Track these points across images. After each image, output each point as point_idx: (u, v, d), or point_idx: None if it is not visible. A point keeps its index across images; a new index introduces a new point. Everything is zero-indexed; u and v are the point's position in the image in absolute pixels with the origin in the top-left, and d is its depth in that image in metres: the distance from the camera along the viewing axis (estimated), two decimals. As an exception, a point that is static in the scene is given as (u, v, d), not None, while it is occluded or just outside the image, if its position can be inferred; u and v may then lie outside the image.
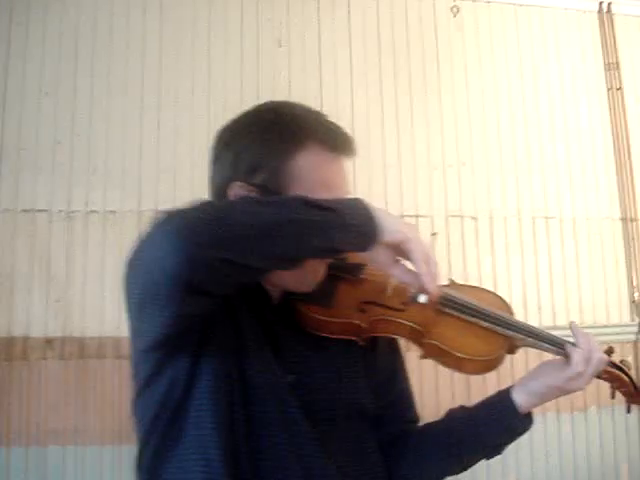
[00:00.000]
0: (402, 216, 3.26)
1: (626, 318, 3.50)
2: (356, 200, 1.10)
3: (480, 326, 1.30)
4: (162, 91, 3.20)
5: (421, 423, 1.48)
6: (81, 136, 3.09)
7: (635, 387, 1.39)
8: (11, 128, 3.04)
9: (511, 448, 3.11)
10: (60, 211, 3.02)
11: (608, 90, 3.71)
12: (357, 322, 1.25)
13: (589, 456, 3.35)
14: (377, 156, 3.34)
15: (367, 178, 3.29)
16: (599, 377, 1.37)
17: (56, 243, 2.99)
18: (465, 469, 1.39)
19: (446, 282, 1.42)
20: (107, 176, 3.08)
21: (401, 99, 3.44)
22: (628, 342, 3.47)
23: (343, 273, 1.30)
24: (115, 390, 2.90)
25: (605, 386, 3.27)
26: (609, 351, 1.39)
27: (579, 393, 3.21)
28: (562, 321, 3.37)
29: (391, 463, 1.35)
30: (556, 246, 3.48)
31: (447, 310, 1.31)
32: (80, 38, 3.17)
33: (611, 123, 3.68)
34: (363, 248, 1.08)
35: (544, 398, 1.32)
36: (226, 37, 3.32)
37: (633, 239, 3.56)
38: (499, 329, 1.31)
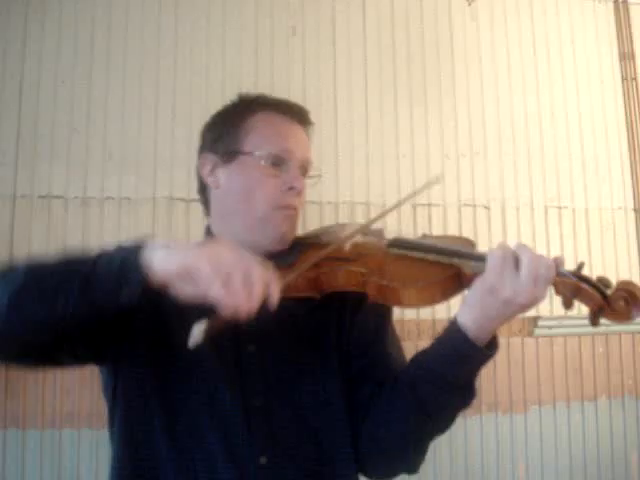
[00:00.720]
0: (414, 204, 3.29)
1: (638, 308, 3.50)
2: (122, 250, 1.10)
3: (426, 260, 1.28)
4: (177, 78, 3.22)
5: None
6: (97, 123, 3.12)
7: (604, 296, 1.23)
8: (28, 116, 3.07)
9: (521, 435, 3.18)
10: (76, 197, 3.05)
11: (623, 80, 3.70)
12: (312, 275, 1.28)
13: (599, 445, 3.36)
14: (390, 146, 3.35)
15: (380, 168, 3.31)
16: (557, 290, 1.26)
17: (72, 229, 3.02)
18: (438, 421, 1.30)
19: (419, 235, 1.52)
20: (122, 163, 3.11)
21: (415, 88, 3.45)
22: (638, 333, 3.47)
23: (310, 240, 1.40)
24: (129, 375, 2.93)
25: (616, 376, 3.33)
26: (579, 265, 1.29)
27: (588, 382, 3.29)
28: (573, 311, 3.37)
29: (358, 423, 1.34)
30: (568, 236, 3.48)
31: (393, 250, 1.33)
32: (96, 26, 3.19)
33: (625, 113, 3.67)
34: (132, 294, 1.05)
35: (488, 316, 1.19)
36: (241, 25, 3.33)
37: (646, 229, 3.57)
38: (442, 259, 1.27)
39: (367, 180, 3.28)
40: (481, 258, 1.22)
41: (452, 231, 3.31)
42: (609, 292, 1.25)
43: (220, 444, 1.23)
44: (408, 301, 1.25)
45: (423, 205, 3.30)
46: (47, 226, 3.01)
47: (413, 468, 1.37)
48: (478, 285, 1.18)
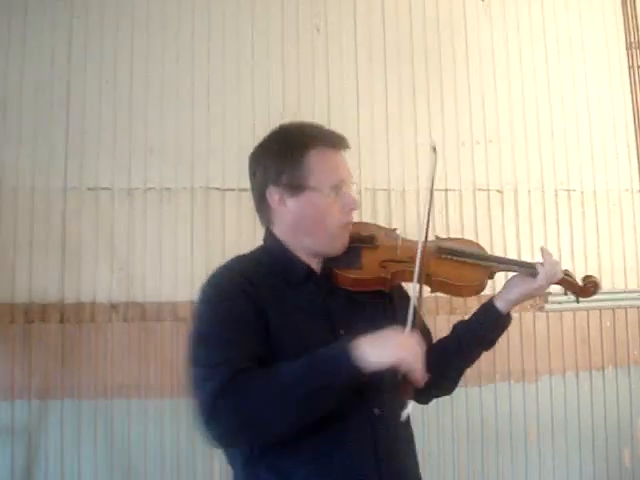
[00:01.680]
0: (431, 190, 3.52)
1: (643, 285, 3.74)
2: (339, 355, 1.43)
3: (467, 263, 1.78)
4: (210, 77, 3.48)
5: None
6: (138, 120, 3.39)
7: (580, 287, 1.86)
8: (75, 114, 3.35)
9: (532, 405, 3.42)
10: (121, 189, 3.33)
11: (629, 68, 3.90)
12: (383, 275, 1.70)
13: (606, 411, 3.61)
14: (410, 135, 3.59)
15: (400, 156, 3.55)
16: (557, 283, 1.81)
17: (118, 218, 3.31)
18: (473, 362, 1.85)
19: (433, 238, 1.86)
20: (162, 156, 3.38)
21: (432, 80, 3.68)
22: (644, 306, 3.71)
23: (362, 244, 1.74)
24: (173, 349, 3.23)
25: (622, 347, 3.56)
26: (566, 272, 1.84)
27: (596, 353, 3.51)
28: (582, 287, 3.62)
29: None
30: (577, 217, 3.72)
31: (443, 256, 1.77)
32: (135, 29, 3.45)
33: (632, 100, 3.87)
34: (353, 381, 1.44)
35: (517, 302, 1.79)
36: (268, 26, 3.57)
37: (652, 210, 3.79)
38: (481, 262, 1.79)
39: (387, 168, 3.53)
40: (525, 265, 1.81)
41: (467, 215, 3.56)
42: (582, 283, 1.87)
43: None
44: (466, 293, 1.80)
45: (440, 190, 3.55)
46: (96, 215, 3.29)
47: (452, 392, 1.91)
48: (523, 285, 1.77)
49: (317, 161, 1.63)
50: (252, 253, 1.75)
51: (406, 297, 1.79)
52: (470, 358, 1.86)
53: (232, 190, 3.39)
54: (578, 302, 1.89)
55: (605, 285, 3.64)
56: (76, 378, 3.19)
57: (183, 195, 3.37)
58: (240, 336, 1.49)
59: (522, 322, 3.54)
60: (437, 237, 1.88)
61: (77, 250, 3.26)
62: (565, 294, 1.86)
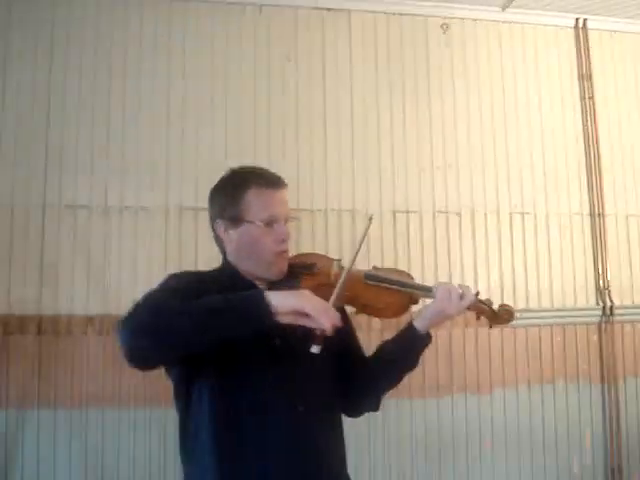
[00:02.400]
0: (394, 212, 3.74)
1: (592, 302, 3.97)
2: (252, 295, 1.65)
3: (389, 288, 1.95)
4: (186, 99, 3.66)
5: None
6: (115, 140, 3.55)
7: (494, 313, 1.99)
8: (54, 133, 3.50)
9: (487, 415, 3.61)
10: (98, 206, 3.48)
11: (581, 99, 4.15)
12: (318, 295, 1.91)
13: (556, 422, 3.83)
14: (373, 159, 3.80)
15: (364, 179, 3.76)
16: (468, 309, 1.93)
17: (95, 234, 3.46)
18: (398, 380, 2.02)
19: (370, 267, 2.07)
20: (138, 176, 3.54)
21: (395, 108, 3.89)
22: (593, 324, 3.94)
23: (303, 270, 1.96)
24: (146, 361, 3.36)
25: (572, 361, 3.76)
26: (476, 294, 1.94)
27: (547, 367, 3.70)
28: (534, 304, 3.86)
29: (349, 384, 2.00)
30: (530, 239, 3.94)
31: (369, 282, 1.96)
32: (114, 55, 3.62)
33: (583, 128, 4.12)
34: (262, 322, 1.62)
35: (433, 320, 1.93)
36: (240, 51, 3.76)
37: (600, 233, 4.02)
38: (400, 288, 1.95)
39: (352, 190, 3.73)
40: (425, 289, 1.97)
41: (427, 235, 3.77)
42: (496, 309, 2.00)
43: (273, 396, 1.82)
44: (386, 315, 1.99)
45: (401, 212, 3.76)
46: (74, 232, 3.44)
47: (378, 408, 2.07)
48: (432, 306, 1.92)
49: (253, 198, 1.89)
50: (209, 271, 2.01)
51: (349, 321, 2.07)
52: (394, 376, 2.04)
53: (205, 210, 3.53)
54: (490, 327, 2.05)
55: (556, 303, 3.89)
56: (52, 388, 3.32)
57: (158, 214, 3.53)
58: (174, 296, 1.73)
59: (478, 337, 3.75)
60: (374, 267, 2.07)
61: (55, 264, 3.40)
62: (477, 318, 1.99)
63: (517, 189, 3.98)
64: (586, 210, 4.05)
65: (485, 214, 3.90)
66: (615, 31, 4.26)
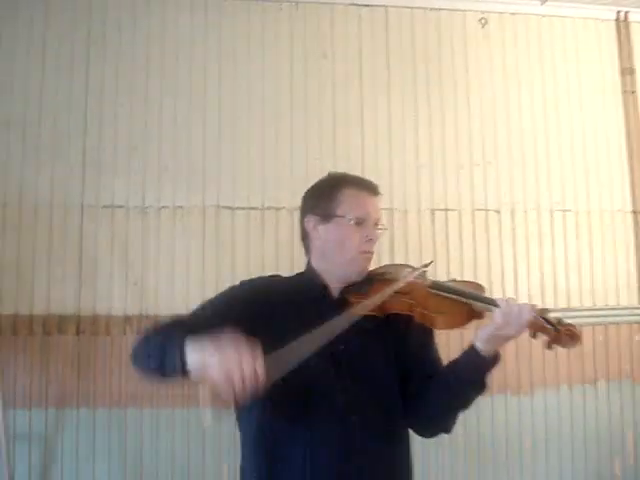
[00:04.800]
0: (433, 210, 3.69)
1: (634, 301, 3.89)
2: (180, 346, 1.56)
3: (450, 298, 1.86)
4: (222, 98, 3.64)
5: None
6: (152, 140, 3.55)
7: (556, 330, 1.75)
8: (92, 136, 3.52)
9: (527, 416, 3.55)
10: (135, 207, 3.49)
11: (623, 93, 4.06)
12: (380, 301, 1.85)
13: (597, 424, 3.76)
14: (411, 157, 3.75)
15: (402, 177, 3.71)
16: (529, 328, 1.75)
17: (132, 234, 3.47)
18: (467, 402, 1.87)
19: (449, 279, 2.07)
20: (175, 176, 3.54)
21: (433, 104, 3.84)
22: (636, 323, 3.86)
23: (377, 276, 1.96)
24: (184, 361, 3.37)
25: (614, 361, 3.70)
26: (542, 311, 1.78)
27: (589, 367, 3.64)
28: (576, 303, 3.79)
29: (417, 401, 1.90)
30: (572, 237, 3.87)
31: (432, 290, 1.89)
32: (150, 53, 3.62)
33: (625, 124, 4.03)
34: (178, 372, 1.55)
35: (491, 342, 1.75)
36: (277, 49, 3.73)
37: (643, 230, 3.94)
38: (461, 299, 1.84)
39: (390, 188, 3.68)
40: (488, 302, 1.81)
41: (466, 234, 3.72)
42: (559, 329, 1.77)
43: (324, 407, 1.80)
44: (439, 325, 1.86)
45: (441, 210, 3.71)
46: (111, 232, 3.45)
47: (448, 430, 1.95)
48: (489, 327, 1.74)
49: (348, 196, 1.91)
50: (290, 276, 2.01)
51: (428, 333, 1.99)
52: (462, 398, 1.89)
53: (242, 209, 3.55)
54: (549, 348, 1.78)
55: (598, 301, 3.81)
56: (91, 387, 3.34)
57: (195, 213, 3.52)
58: (203, 315, 1.77)
59: (519, 337, 3.67)
60: (454, 280, 2.07)
61: (93, 265, 3.41)
62: (533, 336, 1.77)
63: (558, 186, 3.91)
64: (628, 207, 3.97)
65: (525, 212, 3.84)
66: (658, 23, 4.17)
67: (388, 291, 1.82)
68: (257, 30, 3.74)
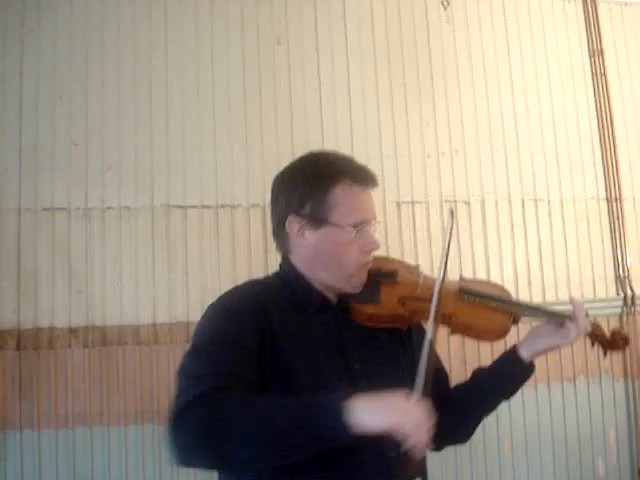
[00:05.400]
0: (398, 203, 3.48)
1: (612, 293, 3.72)
2: (329, 411, 1.30)
3: (490, 306, 1.68)
4: (169, 91, 3.37)
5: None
6: (95, 136, 3.27)
7: (610, 340, 1.82)
8: (28, 131, 3.22)
9: (505, 416, 3.37)
10: (78, 209, 3.21)
11: (593, 76, 3.89)
12: (401, 312, 1.64)
13: (578, 423, 3.58)
14: (374, 147, 3.53)
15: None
16: (590, 338, 1.78)
17: (75, 239, 3.19)
18: (490, 411, 1.78)
19: (457, 277, 1.81)
20: (121, 174, 3.26)
21: (395, 91, 3.62)
22: (614, 315, 3.69)
23: (383, 278, 1.67)
24: (136, 374, 3.12)
25: (593, 357, 3.53)
26: (595, 325, 1.79)
27: (567, 364, 3.46)
28: (551, 297, 3.60)
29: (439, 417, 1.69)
30: (545, 226, 3.68)
31: (465, 297, 1.69)
32: (90, 42, 3.34)
33: (596, 108, 3.86)
34: (334, 443, 1.30)
35: (543, 353, 1.70)
36: (228, 37, 3.48)
37: (618, 218, 3.77)
38: (505, 306, 1.69)
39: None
40: (554, 315, 1.72)
41: (435, 227, 3.50)
42: (610, 337, 1.83)
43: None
44: (483, 337, 1.72)
45: (407, 203, 3.50)
46: (52, 237, 3.16)
47: (467, 440, 1.84)
48: (552, 341, 1.69)
49: (342, 197, 1.58)
50: (267, 279, 1.71)
51: (423, 332, 1.68)
52: (489, 408, 1.78)
53: (194, 208, 3.29)
54: (605, 355, 1.86)
55: (574, 294, 3.63)
56: (35, 408, 3.06)
57: (143, 214, 3.25)
58: (232, 356, 1.43)
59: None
60: (461, 277, 1.82)
61: (33, 273, 3.13)
62: (592, 345, 1.81)
63: (529, 174, 3.72)
64: (602, 194, 3.80)
65: (496, 202, 3.64)
66: (626, 3, 4.00)
67: (438, 303, 1.55)
68: (205, 19, 3.48)
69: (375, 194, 3.32)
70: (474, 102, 3.70)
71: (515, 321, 1.71)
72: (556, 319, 1.71)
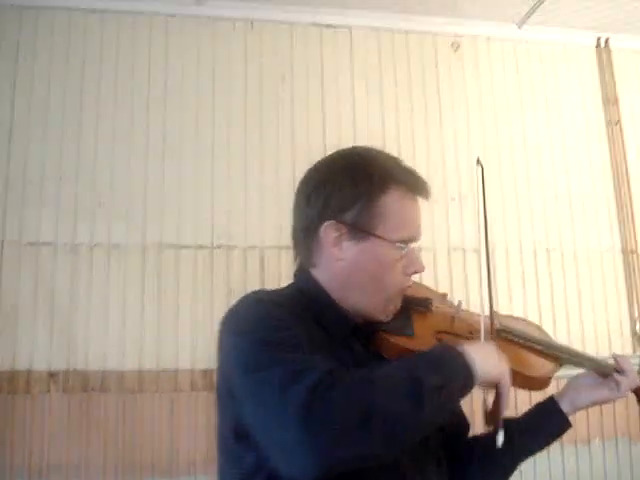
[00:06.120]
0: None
1: (628, 350, 3.51)
2: (457, 361, 1.20)
3: (534, 349, 1.50)
4: (166, 125, 3.25)
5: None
6: (86, 170, 3.13)
7: None
8: (17, 161, 3.08)
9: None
10: (65, 244, 3.04)
11: (607, 124, 3.76)
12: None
13: (593, 489, 3.34)
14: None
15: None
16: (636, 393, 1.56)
17: (60, 276, 3.01)
18: (516, 466, 1.55)
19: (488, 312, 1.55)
20: (112, 209, 3.11)
21: (403, 131, 3.49)
22: (631, 374, 3.46)
23: (416, 306, 1.45)
24: (118, 424, 2.91)
25: (608, 418, 3.30)
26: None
27: (581, 425, 3.25)
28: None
29: (459, 475, 1.50)
30: (558, 278, 3.50)
31: (506, 336, 1.49)
32: (86, 73, 3.23)
33: (610, 156, 3.72)
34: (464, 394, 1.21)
35: (586, 407, 1.55)
36: (230, 71, 3.37)
37: (634, 271, 3.58)
38: (550, 351, 1.51)
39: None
40: (598, 364, 1.54)
41: (442, 276, 3.32)
42: None
43: None
44: (531, 384, 1.46)
45: (413, 249, 3.32)
46: (36, 272, 2.99)
47: None
48: (599, 395, 1.53)
49: (395, 207, 1.35)
50: (283, 290, 1.42)
51: None
52: (517, 462, 1.53)
53: (188, 248, 3.12)
54: None
55: (589, 350, 3.40)
56: (7, 457, 2.83)
57: (133, 252, 3.08)
58: (301, 349, 1.17)
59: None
60: (496, 312, 1.57)
61: (13, 311, 2.94)
62: (638, 401, 1.58)
63: (541, 223, 3.54)
64: (618, 246, 3.62)
65: (506, 251, 3.46)
66: (641, 51, 3.90)
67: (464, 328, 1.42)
68: (207, 50, 3.37)
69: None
70: (484, 147, 3.56)
71: (559, 366, 1.53)
72: (604, 370, 1.53)
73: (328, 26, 3.52)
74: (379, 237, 1.32)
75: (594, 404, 1.54)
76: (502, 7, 3.54)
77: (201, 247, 3.14)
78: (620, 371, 1.50)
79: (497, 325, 1.47)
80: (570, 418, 1.54)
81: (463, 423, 1.55)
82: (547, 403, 1.54)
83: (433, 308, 1.47)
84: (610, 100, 3.78)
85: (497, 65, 3.70)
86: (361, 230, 1.33)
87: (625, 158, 3.71)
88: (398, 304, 1.40)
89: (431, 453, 1.37)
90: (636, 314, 3.54)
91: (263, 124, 3.34)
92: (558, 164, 3.65)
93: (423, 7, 3.52)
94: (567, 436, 3.17)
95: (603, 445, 3.38)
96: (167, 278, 3.07)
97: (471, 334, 1.41)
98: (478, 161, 1.46)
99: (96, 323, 2.99)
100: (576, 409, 1.54)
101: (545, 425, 1.53)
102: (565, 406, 1.52)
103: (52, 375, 2.91)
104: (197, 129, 3.26)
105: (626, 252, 3.61)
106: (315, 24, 3.50)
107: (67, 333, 2.96)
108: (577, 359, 1.56)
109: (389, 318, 1.39)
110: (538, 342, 1.51)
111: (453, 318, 1.47)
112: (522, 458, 1.53)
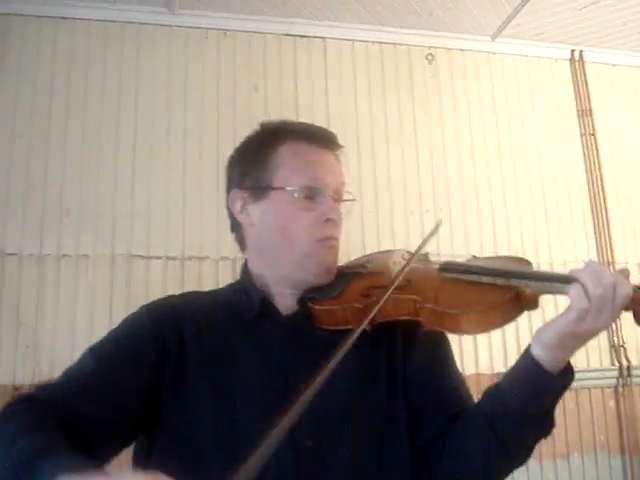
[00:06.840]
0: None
1: (606, 362, 3.47)
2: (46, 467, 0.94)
3: (479, 282, 1.22)
4: (137, 135, 3.19)
5: None
6: (54, 179, 3.05)
7: None
8: (-19, 173, 3.00)
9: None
10: (31, 255, 2.95)
11: (582, 135, 3.75)
12: (356, 305, 1.24)
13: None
14: (355, 203, 3.31)
15: (345, 224, 3.25)
16: (626, 309, 1.11)
17: (26, 287, 2.92)
18: (518, 455, 1.23)
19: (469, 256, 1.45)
20: (80, 220, 3.03)
21: (377, 145, 3.45)
22: (609, 387, 3.43)
23: (354, 269, 1.35)
24: (85, 440, 2.80)
25: (587, 431, 3.25)
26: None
27: (560, 439, 3.18)
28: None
29: (432, 463, 1.25)
30: (534, 290, 3.45)
31: (446, 275, 1.27)
32: (55, 80, 3.17)
33: (586, 168, 3.71)
34: None
35: (565, 347, 1.13)
36: (203, 82, 3.32)
37: (611, 284, 3.55)
38: (500, 281, 1.20)
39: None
40: (553, 278, 1.18)
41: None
42: None
43: None
44: (467, 327, 1.20)
45: (388, 260, 3.27)
46: (1, 284, 2.90)
47: None
48: (560, 321, 1.12)
49: (288, 157, 1.29)
50: (217, 289, 1.42)
51: (440, 347, 1.34)
52: (512, 444, 1.18)
53: (158, 259, 3.04)
54: None
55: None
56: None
57: (102, 263, 3.00)
58: (103, 376, 1.16)
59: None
60: (473, 256, 1.45)
61: (-24, 324, 2.85)
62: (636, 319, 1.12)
63: (517, 235, 3.51)
64: (594, 256, 3.58)
65: (483, 263, 3.42)
66: (615, 64, 3.90)
67: (388, 287, 1.17)
68: (179, 60, 3.32)
69: (354, 250, 3.08)
70: (459, 158, 3.54)
71: (523, 300, 1.20)
72: (559, 284, 1.16)
73: (302, 36, 3.49)
74: (277, 188, 1.27)
75: (565, 334, 1.12)
76: (476, 20, 3.54)
77: (171, 258, 3.07)
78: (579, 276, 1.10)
79: (435, 265, 1.31)
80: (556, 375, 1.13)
81: (435, 404, 1.29)
82: (522, 358, 1.19)
83: (369, 267, 1.35)
84: (584, 112, 3.78)
85: (471, 77, 3.69)
86: (260, 188, 1.28)
87: (600, 169, 3.71)
88: (326, 261, 1.28)
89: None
90: (614, 327, 3.49)
91: (236, 134, 3.27)
92: (534, 175, 3.64)
93: (397, 19, 3.51)
94: (546, 451, 3.18)
95: (582, 459, 3.32)
96: (136, 289, 2.99)
97: (409, 282, 1.24)
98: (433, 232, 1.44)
99: (63, 336, 2.89)
100: (547, 347, 1.13)
101: (523, 375, 1.17)
102: (536, 348, 1.15)
103: (16, 389, 2.80)
104: (168, 139, 3.20)
105: (602, 263, 3.58)
106: (289, 34, 3.47)
107: (33, 346, 2.86)
108: (536, 281, 1.18)
109: (323, 280, 1.28)
110: (485, 272, 1.22)
111: (387, 273, 1.31)
112: (514, 436, 1.18)
